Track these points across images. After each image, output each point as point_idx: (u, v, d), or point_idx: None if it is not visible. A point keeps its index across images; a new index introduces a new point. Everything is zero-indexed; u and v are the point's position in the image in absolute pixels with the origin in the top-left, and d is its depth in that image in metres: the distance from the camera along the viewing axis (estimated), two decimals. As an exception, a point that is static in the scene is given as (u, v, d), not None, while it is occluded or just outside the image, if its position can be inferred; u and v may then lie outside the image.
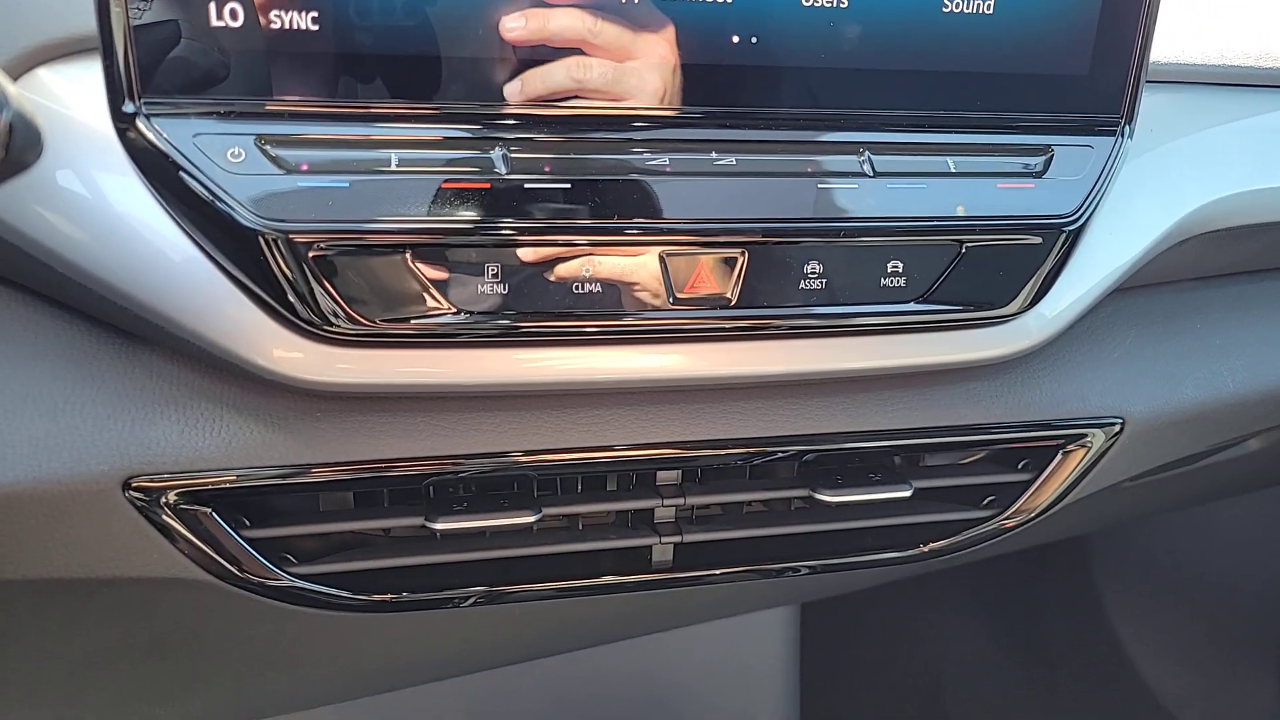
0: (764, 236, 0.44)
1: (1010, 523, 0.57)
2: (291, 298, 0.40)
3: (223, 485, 0.45)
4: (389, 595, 0.50)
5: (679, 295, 0.44)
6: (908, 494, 0.54)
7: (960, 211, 0.46)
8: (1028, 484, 0.56)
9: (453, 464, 0.47)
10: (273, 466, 0.45)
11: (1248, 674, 1.46)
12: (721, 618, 0.87)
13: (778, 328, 0.46)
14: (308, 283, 0.40)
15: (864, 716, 1.50)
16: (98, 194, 0.42)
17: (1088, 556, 1.56)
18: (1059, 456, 0.55)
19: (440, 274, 0.41)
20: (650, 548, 0.54)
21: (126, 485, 0.43)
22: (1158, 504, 1.03)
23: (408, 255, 0.41)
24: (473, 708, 0.82)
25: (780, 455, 0.52)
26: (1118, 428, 0.56)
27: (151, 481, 0.44)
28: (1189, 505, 1.21)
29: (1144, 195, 0.53)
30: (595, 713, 0.86)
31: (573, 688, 0.86)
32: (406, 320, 0.41)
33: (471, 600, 0.52)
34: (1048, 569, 1.62)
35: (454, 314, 0.42)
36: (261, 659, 0.60)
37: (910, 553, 0.57)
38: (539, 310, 0.43)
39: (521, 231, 0.42)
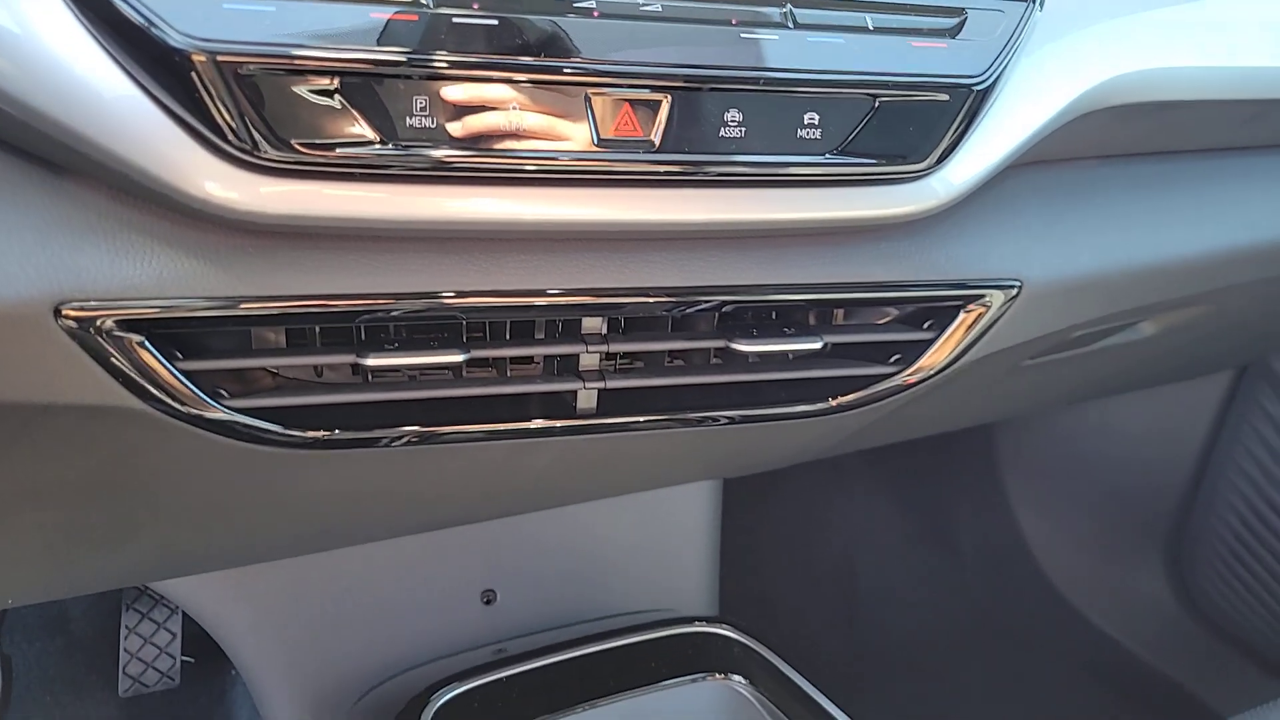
0: (687, 82, 0.46)
1: (913, 379, 0.61)
2: (218, 120, 0.41)
3: (154, 315, 0.45)
4: (322, 432, 0.52)
5: (603, 137, 0.45)
6: (818, 346, 0.57)
7: (875, 67, 0.48)
8: (930, 342, 0.60)
9: (384, 302, 0.49)
10: (203, 298, 0.46)
11: (1135, 561, 1.57)
12: (646, 488, 0.91)
13: (698, 174, 0.48)
14: (234, 105, 0.40)
15: (780, 595, 1.58)
16: (19, 18, 0.41)
17: (993, 452, 1.65)
18: (960, 315, 0.59)
19: (364, 104, 0.42)
20: (575, 393, 0.56)
21: (57, 312, 0.44)
22: (1058, 392, 1.09)
23: (333, 82, 0.41)
24: (402, 569, 0.85)
25: (702, 305, 0.54)
26: (1015, 290, 0.60)
27: (82, 309, 0.44)
28: (1088, 396, 1.28)
29: (1052, 65, 0.56)
30: (522, 578, 0.90)
31: (502, 554, 0.89)
32: (332, 149, 0.42)
33: (404, 439, 0.54)
34: (957, 463, 1.71)
35: (378, 145, 0.43)
36: (201, 505, 0.61)
37: (820, 406, 0.61)
38: (463, 147, 0.44)
39: (447, 66, 0.43)
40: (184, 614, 1.23)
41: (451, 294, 0.50)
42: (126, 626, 1.16)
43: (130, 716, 1.20)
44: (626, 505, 0.93)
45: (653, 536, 0.95)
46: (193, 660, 1.27)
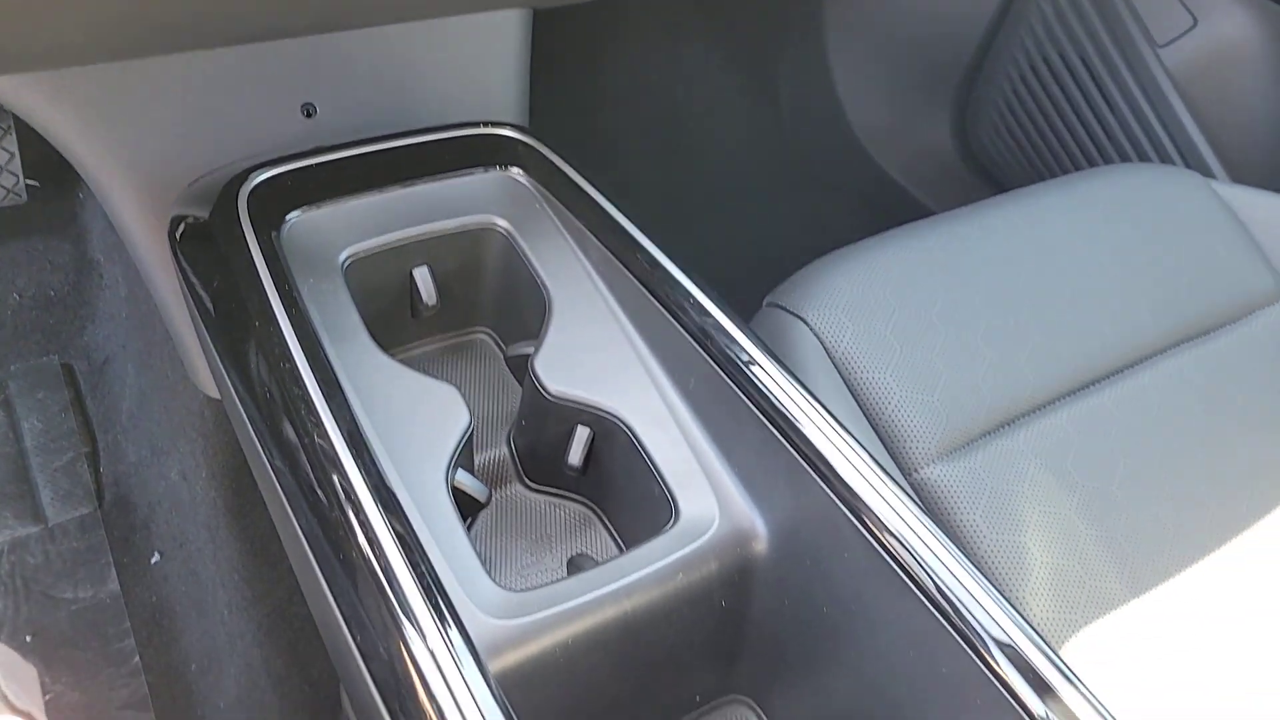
0: None
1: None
2: None
3: None
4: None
5: None
6: None
7: None
8: None
9: None
10: None
11: (927, 116, 1.74)
12: (451, 11, 0.96)
13: None
14: None
15: (605, 137, 1.70)
16: None
17: (821, 12, 1.72)
18: None
19: None
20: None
21: None
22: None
23: None
24: (224, 78, 0.90)
25: None
26: None
27: None
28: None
29: None
30: (341, 94, 0.96)
31: (321, 71, 0.94)
32: None
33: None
34: (787, 22, 1.78)
35: None
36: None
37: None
38: None
39: None
40: (19, 138, 1.26)
41: None
42: (-40, 144, 1.19)
43: (-14, 230, 1.29)
44: (440, 29, 0.99)
45: (466, 60, 1.01)
46: (38, 184, 1.34)
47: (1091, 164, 1.47)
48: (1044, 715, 0.51)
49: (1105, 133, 1.44)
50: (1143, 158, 1.39)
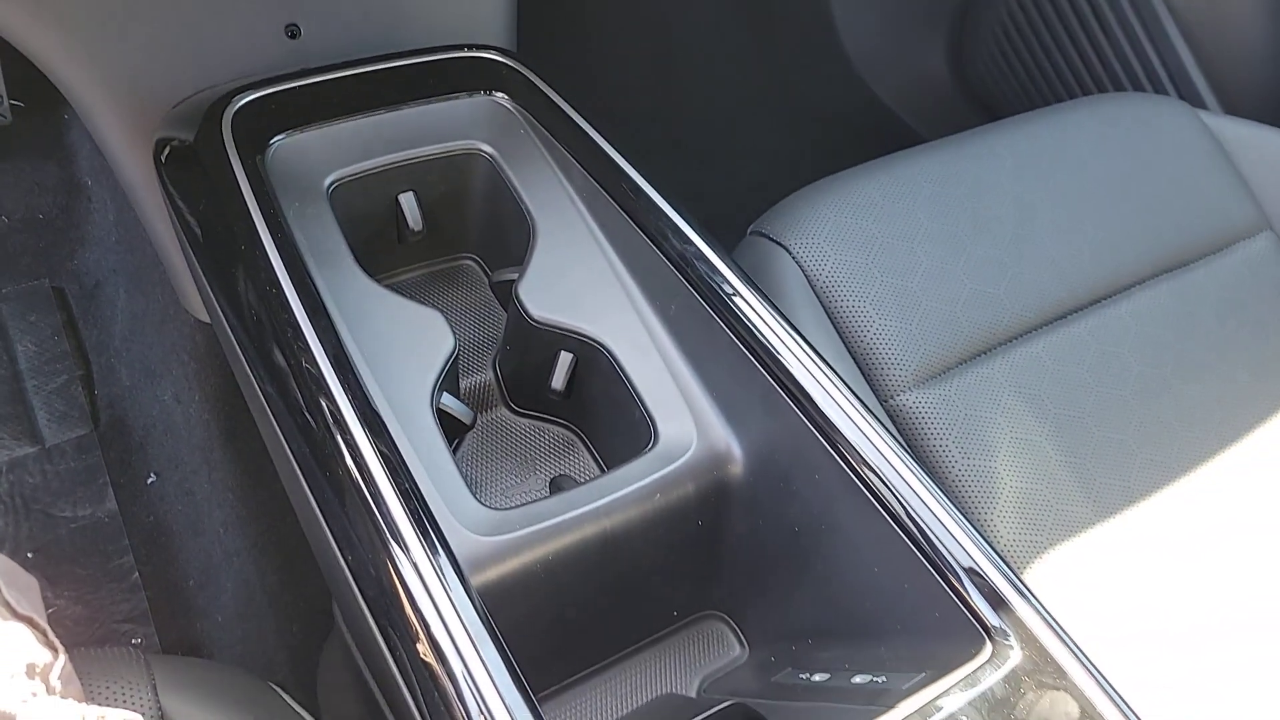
0: None
1: None
2: None
3: None
4: None
5: None
6: None
7: None
8: None
9: None
10: None
11: (923, 44, 1.71)
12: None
13: None
14: None
15: (596, 68, 1.68)
16: None
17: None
18: None
19: None
20: None
21: None
22: None
23: None
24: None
25: None
26: None
27: None
28: None
29: None
30: (325, 14, 0.94)
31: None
32: None
33: None
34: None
35: None
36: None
37: None
38: None
39: None
40: (1, 58, 1.25)
41: None
42: (-59, 63, 1.18)
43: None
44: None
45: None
46: (23, 104, 1.32)
47: (1086, 92, 1.46)
48: (998, 626, 0.54)
49: (1100, 60, 1.42)
50: (1136, 86, 1.38)
